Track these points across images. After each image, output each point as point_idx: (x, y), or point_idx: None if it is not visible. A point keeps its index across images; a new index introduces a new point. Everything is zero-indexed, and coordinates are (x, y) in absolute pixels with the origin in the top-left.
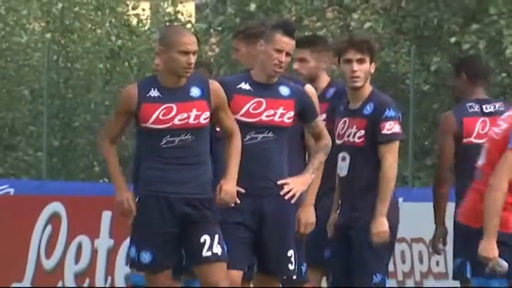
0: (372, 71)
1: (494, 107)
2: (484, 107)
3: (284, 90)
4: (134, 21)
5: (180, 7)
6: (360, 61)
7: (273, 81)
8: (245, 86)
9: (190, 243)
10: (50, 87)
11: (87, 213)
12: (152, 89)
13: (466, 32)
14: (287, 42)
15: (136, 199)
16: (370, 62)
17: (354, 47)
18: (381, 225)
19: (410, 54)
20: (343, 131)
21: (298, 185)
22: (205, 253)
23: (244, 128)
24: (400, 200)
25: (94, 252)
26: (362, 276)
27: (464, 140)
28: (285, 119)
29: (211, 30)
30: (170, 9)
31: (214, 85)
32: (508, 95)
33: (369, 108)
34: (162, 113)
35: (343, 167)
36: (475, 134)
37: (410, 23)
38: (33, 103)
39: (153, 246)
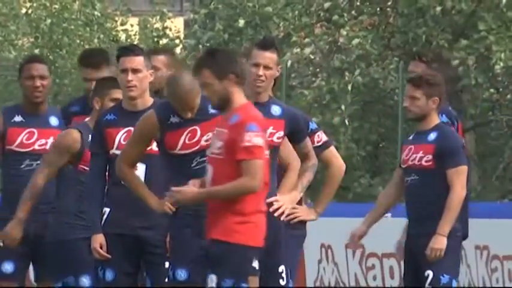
0: None
1: None
2: None
3: (275, 110)
4: (123, 37)
5: (168, 23)
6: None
7: (263, 100)
8: None
9: None
10: None
11: None
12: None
13: (455, 48)
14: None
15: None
16: None
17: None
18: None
19: (398, 70)
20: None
21: (287, 202)
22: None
23: None
24: (389, 215)
25: None
26: None
27: None
28: (275, 139)
29: (200, 46)
30: (158, 25)
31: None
32: (497, 110)
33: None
34: None
35: None
36: None
37: (399, 39)
38: None
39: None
